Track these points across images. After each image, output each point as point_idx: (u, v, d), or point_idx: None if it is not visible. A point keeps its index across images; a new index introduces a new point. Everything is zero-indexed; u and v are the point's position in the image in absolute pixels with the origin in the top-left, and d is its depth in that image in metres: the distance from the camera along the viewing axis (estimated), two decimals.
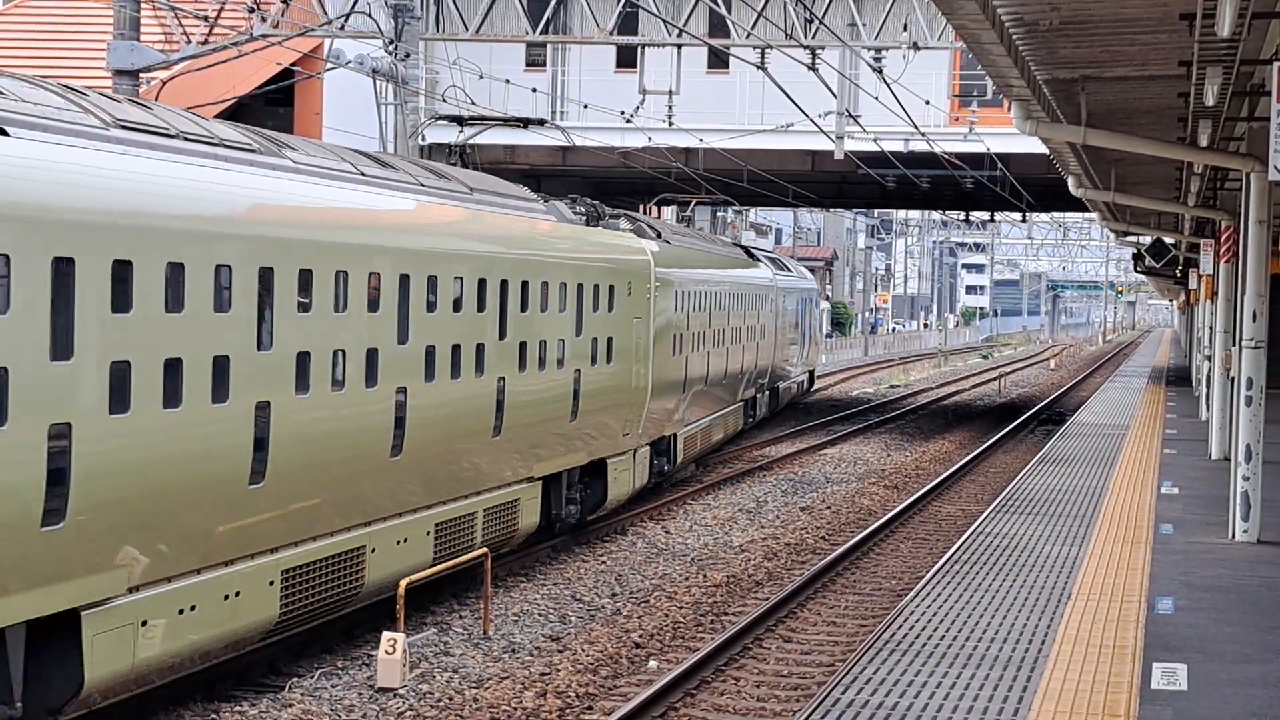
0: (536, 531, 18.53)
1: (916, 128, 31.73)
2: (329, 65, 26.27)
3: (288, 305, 12.35)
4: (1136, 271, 65.41)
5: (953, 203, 48.89)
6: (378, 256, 13.83)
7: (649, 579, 18.90)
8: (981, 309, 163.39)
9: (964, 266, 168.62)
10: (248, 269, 11.84)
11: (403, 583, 14.25)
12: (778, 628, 16.54)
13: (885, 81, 27.70)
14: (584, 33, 31.82)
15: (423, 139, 35.55)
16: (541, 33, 29.64)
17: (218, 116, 22.87)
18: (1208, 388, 29.69)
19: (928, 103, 35.09)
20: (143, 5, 23.30)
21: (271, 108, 32.53)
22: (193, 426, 11.22)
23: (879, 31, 29.55)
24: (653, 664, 14.94)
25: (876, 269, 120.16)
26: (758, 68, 27.49)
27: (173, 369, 10.98)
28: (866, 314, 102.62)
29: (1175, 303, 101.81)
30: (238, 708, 12.72)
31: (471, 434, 15.94)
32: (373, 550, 14.09)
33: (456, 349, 15.46)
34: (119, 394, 10.41)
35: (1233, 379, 18.69)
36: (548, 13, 29.17)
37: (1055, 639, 12.16)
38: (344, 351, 13.28)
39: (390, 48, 25.34)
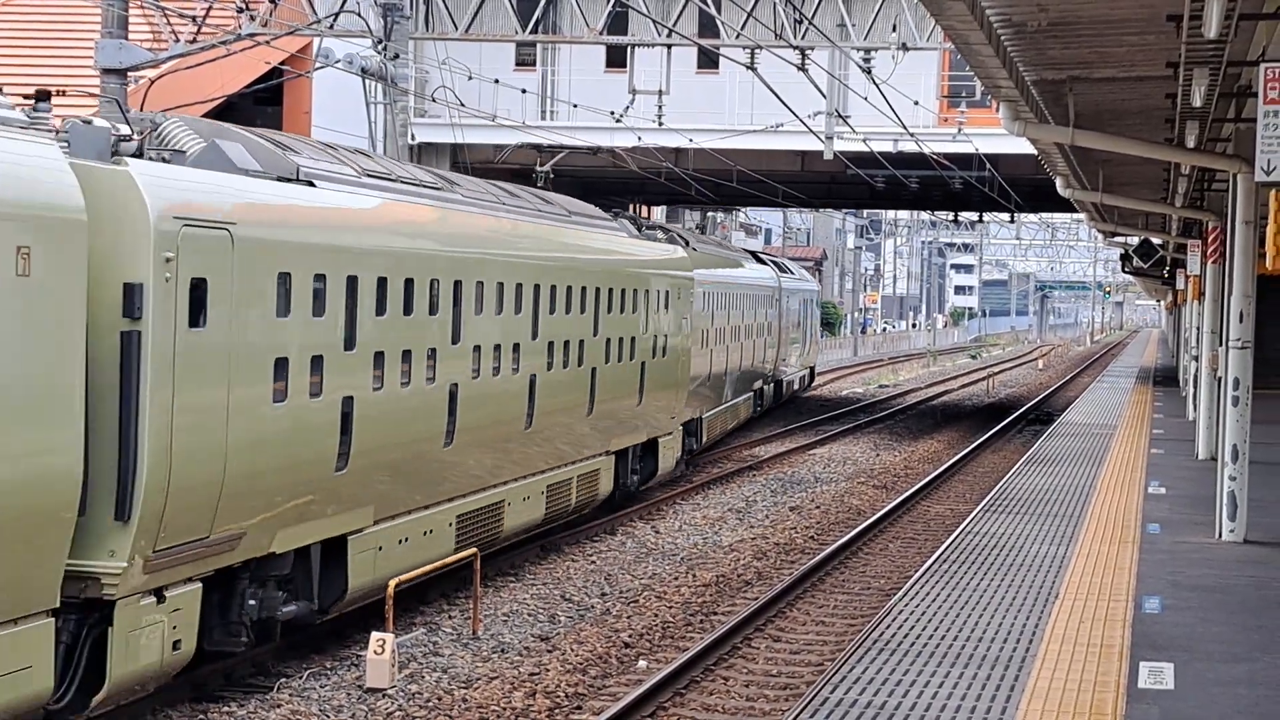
0: (607, 497, 22.00)
1: (905, 128, 31.78)
2: (318, 64, 26.27)
3: (470, 310, 16.06)
4: (1124, 272, 65.57)
5: (941, 203, 48.97)
6: (520, 270, 17.50)
7: (638, 579, 18.91)
8: (970, 309, 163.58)
9: (952, 267, 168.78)
10: (447, 282, 15.57)
11: (391, 582, 14.28)
12: (767, 627, 16.56)
13: (874, 82, 27.75)
14: (574, 32, 31.83)
15: (412, 138, 35.55)
16: (531, 32, 29.65)
17: (206, 115, 22.87)
18: (1195, 388, 29.77)
19: (916, 103, 35.14)
20: (131, 4, 23.28)
21: (260, 107, 32.50)
22: (416, 399, 14.95)
23: (868, 32, 29.60)
24: (642, 664, 14.96)
25: (865, 269, 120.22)
26: (747, 68, 27.53)
27: (406, 358, 14.73)
28: (856, 314, 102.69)
29: (1162, 303, 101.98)
30: (226, 708, 12.72)
31: (574, 413, 19.74)
32: (508, 504, 17.65)
33: (566, 344, 19.18)
34: (378, 376, 14.14)
35: (1220, 379, 18.75)
36: (537, 12, 29.19)
37: (1043, 638, 12.20)
38: (500, 346, 16.88)
39: (379, 47, 25.33)
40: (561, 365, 18.92)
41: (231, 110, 29.63)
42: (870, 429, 40.29)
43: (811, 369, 48.91)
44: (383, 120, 28.14)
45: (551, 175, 28.94)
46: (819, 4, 28.99)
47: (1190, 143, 18.54)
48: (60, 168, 10.20)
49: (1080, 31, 14.41)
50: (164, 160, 11.66)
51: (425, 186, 15.87)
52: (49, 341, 10.04)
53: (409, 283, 14.69)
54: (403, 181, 15.39)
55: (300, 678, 13.61)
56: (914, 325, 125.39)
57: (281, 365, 12.54)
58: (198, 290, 11.36)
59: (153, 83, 25.66)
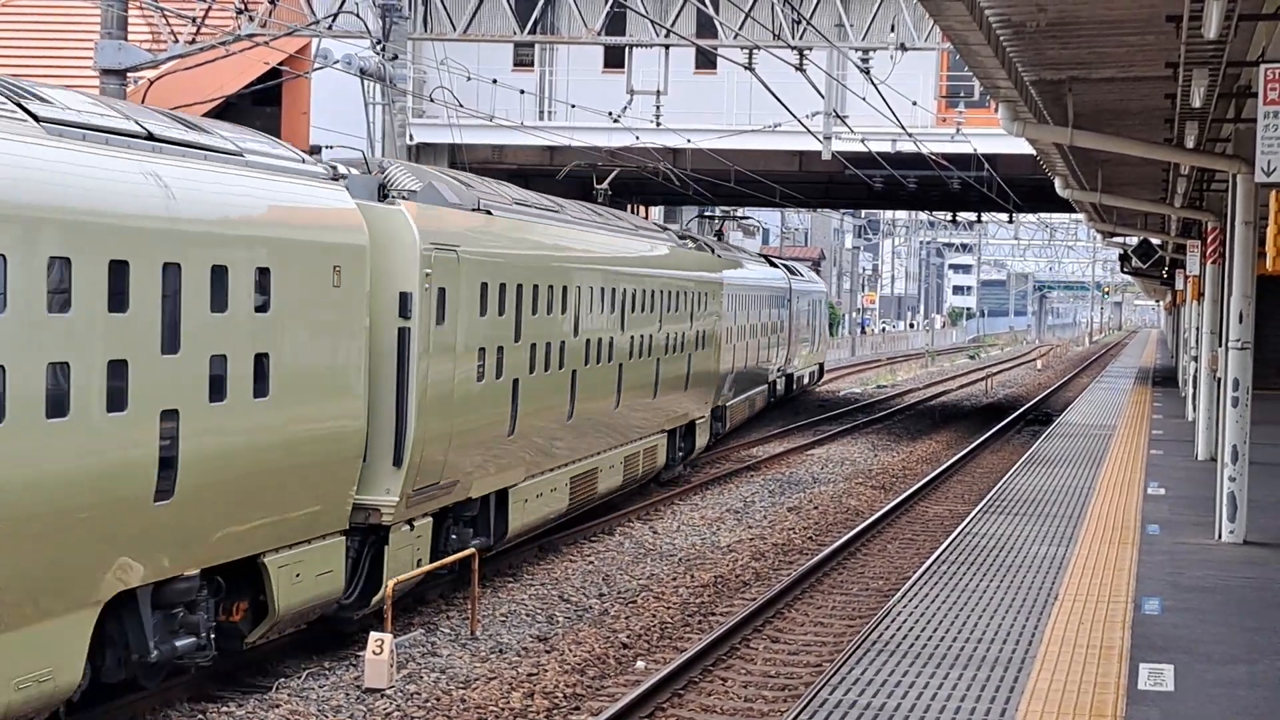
0: (662, 468, 25.85)
1: (904, 128, 31.75)
2: (317, 65, 26.24)
3: (585, 309, 19.98)
4: (1123, 272, 65.58)
5: (940, 203, 48.94)
6: (612, 276, 21.29)
7: (637, 579, 18.89)
8: (968, 309, 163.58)
9: (951, 267, 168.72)
10: (570, 286, 19.36)
11: (390, 583, 14.27)
12: (765, 628, 16.54)
13: (872, 82, 27.73)
14: (571, 33, 31.81)
15: (410, 139, 35.51)
16: (529, 33, 29.62)
17: (205, 115, 22.82)
18: (1194, 388, 29.76)
19: (915, 103, 35.12)
20: (130, 5, 23.25)
21: (259, 107, 32.47)
22: (554, 381, 18.96)
23: (866, 32, 29.58)
24: (640, 664, 14.94)
25: (863, 269, 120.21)
26: (745, 68, 27.50)
27: (548, 349, 18.56)
28: (854, 314, 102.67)
29: (1161, 303, 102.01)
30: (225, 708, 12.70)
31: (644, 397, 23.58)
32: (600, 470, 21.35)
33: (640, 338, 22.83)
34: (532, 363, 17.99)
35: (1219, 380, 18.74)
36: (535, 13, 29.17)
37: (1042, 640, 12.19)
38: (600, 339, 20.84)
39: (378, 47, 25.31)
40: (638, 356, 22.94)
41: (230, 111, 29.59)
42: (868, 429, 40.28)
43: (820, 365, 51.68)
44: (381, 120, 28.12)
45: (609, 191, 32.50)
46: (817, 4, 28.97)
47: (1190, 143, 18.53)
48: (352, 209, 14.09)
49: (1079, 32, 14.39)
50: (403, 198, 15.21)
51: (549, 210, 19.71)
52: (349, 335, 13.83)
53: (550, 288, 18.62)
54: (535, 207, 19.19)
55: (299, 678, 13.59)
56: (912, 325, 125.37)
57: (481, 353, 16.35)
58: (440, 297, 15.20)
59: (152, 83, 25.64)
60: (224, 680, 13.40)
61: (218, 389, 11.91)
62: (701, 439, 28.53)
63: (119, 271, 10.81)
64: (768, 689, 14.15)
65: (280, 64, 30.49)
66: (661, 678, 13.67)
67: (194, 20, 23.96)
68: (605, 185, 32.33)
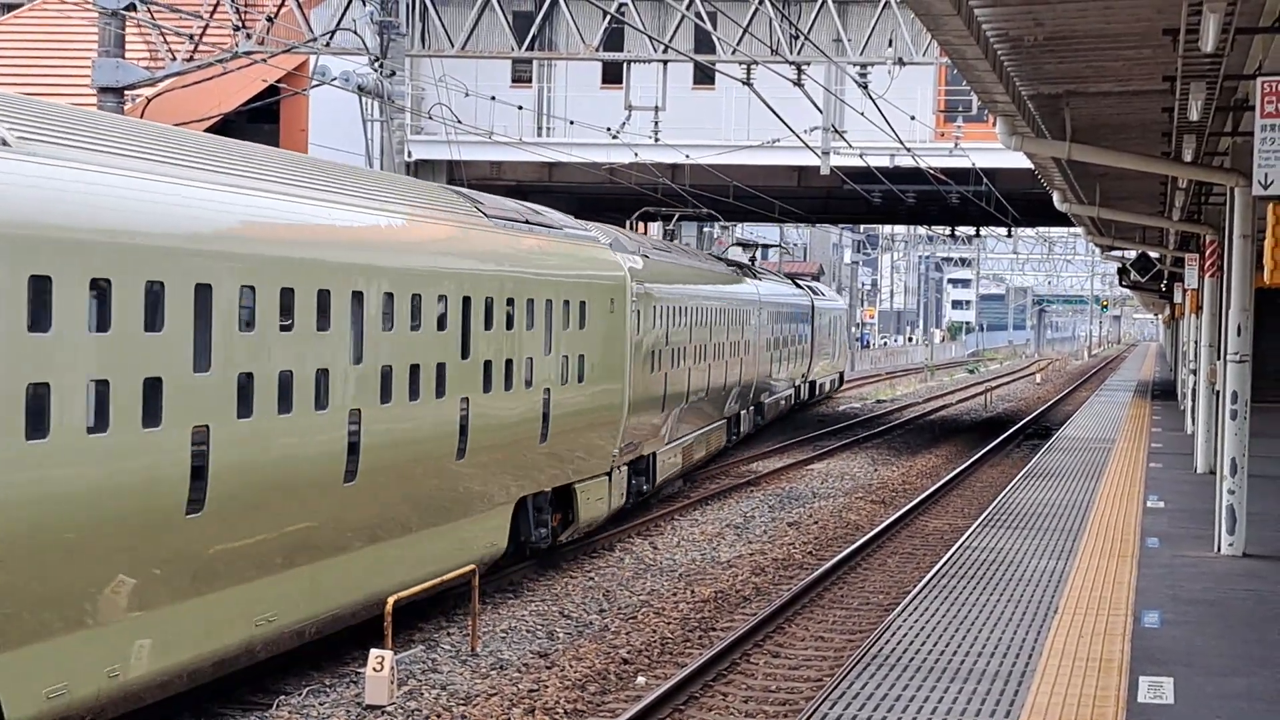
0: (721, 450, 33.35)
1: (902, 143, 31.80)
2: (314, 82, 26.27)
3: (703, 326, 28.65)
4: (1121, 286, 65.57)
5: (938, 218, 48.99)
6: (714, 300, 30.59)
7: (637, 595, 18.88)
8: (967, 324, 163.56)
9: (950, 281, 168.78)
10: (696, 308, 27.87)
11: (390, 600, 14.25)
12: (766, 643, 16.53)
13: (871, 97, 27.77)
14: (569, 49, 31.85)
15: (408, 155, 35.53)
16: (527, 49, 29.66)
17: (204, 132, 22.83)
18: (1193, 402, 29.76)
19: (913, 118, 35.16)
20: (128, 23, 23.28)
21: (257, 125, 32.51)
22: (697, 375, 27.99)
23: (864, 47, 29.62)
24: (641, 680, 14.92)
25: (862, 284, 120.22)
26: (744, 84, 27.54)
27: (697, 352, 27.69)
28: (854, 329, 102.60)
29: (1160, 317, 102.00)
30: None
31: (728, 388, 32.37)
32: (693, 445, 28.45)
33: (730, 344, 32.28)
34: (674, 363, 25.26)
35: (1218, 393, 18.74)
36: (533, 29, 29.20)
37: (1042, 653, 12.18)
38: (709, 346, 29.79)
39: (376, 64, 25.35)
40: (723, 358, 31.30)
41: (228, 128, 29.62)
42: (868, 444, 40.27)
43: (841, 374, 59.46)
44: (379, 137, 28.14)
45: (670, 228, 41.50)
46: (815, 19, 29.02)
47: (1187, 157, 18.56)
48: (616, 260, 21.82)
49: (1076, 46, 14.42)
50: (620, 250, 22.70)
51: (668, 251, 27.64)
52: (619, 341, 21.43)
53: (687, 309, 26.87)
54: (662, 250, 27.14)
55: (299, 695, 13.58)
56: (911, 340, 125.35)
57: (651, 354, 23.86)
58: (638, 317, 22.68)
59: (149, 101, 25.67)
60: (224, 697, 13.38)
61: (565, 377, 19.06)
62: (745, 427, 36.99)
63: (566, 309, 19.21)
64: (768, 704, 14.13)
65: (278, 81, 30.54)
66: (662, 693, 13.65)
67: (191, 38, 24.00)
68: (672, 226, 42.45)
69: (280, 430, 12.46)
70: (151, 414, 10.90)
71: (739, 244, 57.98)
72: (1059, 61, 15.14)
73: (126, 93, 23.01)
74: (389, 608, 14.12)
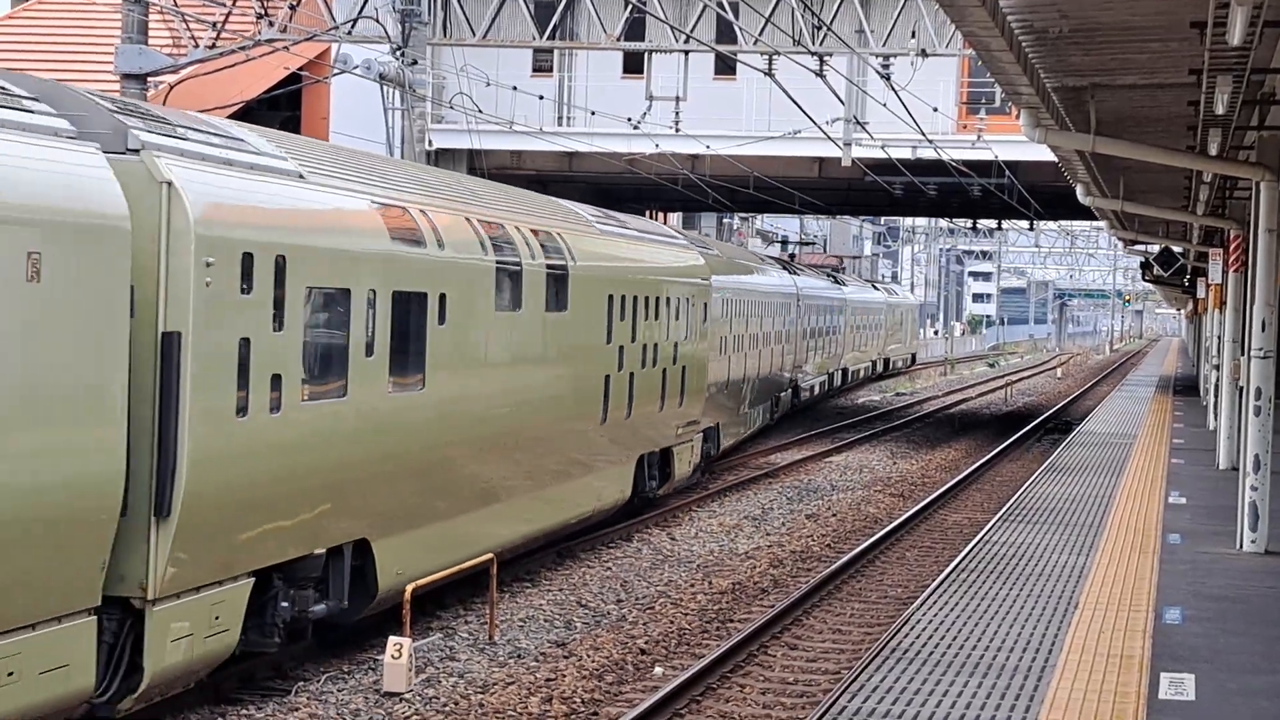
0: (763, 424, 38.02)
1: (924, 135, 31.69)
2: (336, 70, 26.26)
3: (762, 319, 34.99)
4: (1144, 280, 65.32)
5: (960, 210, 48.85)
6: (774, 298, 36.38)
7: (654, 585, 18.86)
8: (988, 317, 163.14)
9: (970, 274, 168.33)
10: (760, 304, 34.26)
11: (409, 587, 14.25)
12: (783, 635, 16.49)
13: (893, 88, 27.67)
14: (591, 38, 31.80)
15: (429, 144, 35.51)
16: (548, 38, 29.61)
17: (227, 119, 22.84)
18: (1216, 397, 29.64)
19: (935, 110, 35.03)
20: (150, 9, 23.29)
21: (278, 112, 32.53)
22: (750, 361, 33.26)
23: (887, 38, 29.52)
24: (658, 670, 14.90)
25: (882, 276, 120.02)
26: (765, 74, 27.46)
27: (753, 340, 33.61)
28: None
29: (1183, 312, 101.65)
30: (244, 711, 12.70)
31: (781, 372, 38.47)
32: (748, 419, 33.64)
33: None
34: (739, 345, 31.80)
35: (1241, 388, 18.65)
36: (555, 18, 29.15)
37: (1063, 648, 12.12)
38: (767, 334, 35.90)
39: (397, 53, 25.32)
40: (765, 344, 36.09)
41: (250, 115, 29.65)
42: (887, 437, 40.19)
43: (913, 355, 76.95)
44: (400, 126, 28.13)
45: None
46: (837, 10, 28.92)
47: (1213, 150, 18.45)
48: (703, 263, 25.68)
49: (1102, 38, 14.33)
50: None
51: (740, 255, 34.44)
52: (702, 330, 25.37)
53: (746, 303, 32.28)
54: (728, 253, 33.27)
55: (317, 681, 13.59)
56: (935, 333, 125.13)
57: (721, 340, 29.14)
58: (705, 311, 25.71)
59: (172, 88, 25.68)
60: (243, 683, 13.39)
61: (676, 358, 23.48)
62: (837, 382, 49.95)
63: (671, 303, 23.44)
64: (786, 696, 14.10)
65: (300, 69, 30.54)
66: (679, 684, 13.63)
67: (214, 25, 24.00)
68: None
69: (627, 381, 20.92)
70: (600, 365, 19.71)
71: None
72: (1084, 54, 15.05)
73: (149, 79, 23.02)
74: (407, 594, 14.12)
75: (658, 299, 22.33)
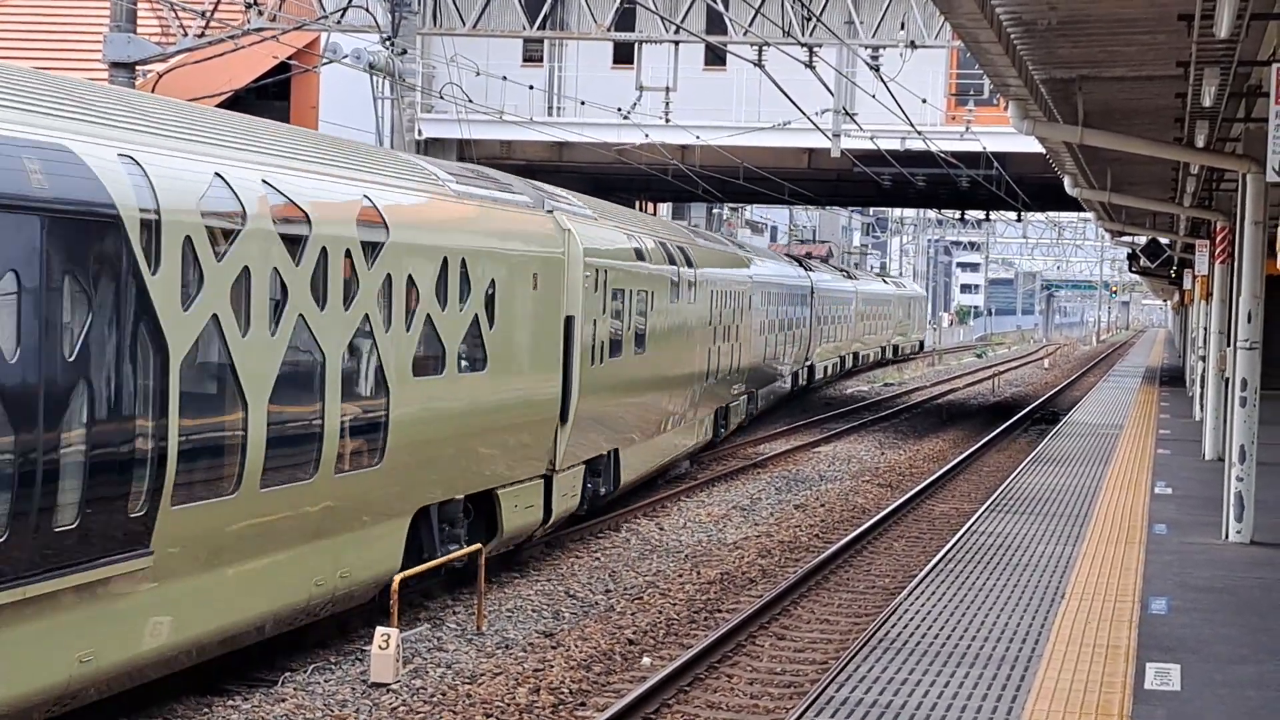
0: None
1: (913, 126, 31.72)
2: (325, 59, 26.24)
3: (769, 310, 38.83)
4: (1131, 271, 65.44)
5: (948, 201, 48.89)
6: (779, 287, 39.96)
7: (643, 575, 18.89)
8: (976, 308, 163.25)
9: (959, 265, 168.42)
10: (769, 295, 38.42)
11: (396, 577, 14.27)
12: (771, 625, 16.53)
13: (882, 80, 27.70)
14: (581, 29, 31.79)
15: (419, 134, 35.48)
16: (539, 28, 29.60)
17: (215, 108, 22.81)
18: (1202, 388, 29.73)
19: (924, 101, 35.07)
20: None
21: (267, 101, 32.48)
22: (767, 346, 38.39)
23: (876, 30, 29.54)
24: (646, 660, 14.93)
25: (871, 267, 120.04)
26: (755, 65, 27.48)
27: (769, 327, 38.50)
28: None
29: (1169, 303, 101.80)
30: (230, 701, 12.71)
31: (796, 355, 43.16)
32: (760, 395, 37.72)
33: (789, 321, 43.86)
34: (763, 331, 37.42)
35: (1227, 380, 18.71)
36: (545, 8, 29.14)
37: (1049, 638, 12.17)
38: (776, 324, 40.15)
39: (387, 43, 25.31)
40: (786, 329, 41.92)
41: (238, 104, 29.60)
42: (875, 427, 40.26)
43: (921, 342, 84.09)
44: (390, 116, 28.11)
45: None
46: (827, 2, 28.94)
47: (1200, 142, 18.49)
48: (749, 275, 33.75)
49: (1090, 30, 14.37)
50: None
51: (776, 257, 39.57)
52: (744, 319, 32.62)
53: (774, 295, 38.16)
54: (771, 256, 40.27)
55: (304, 672, 13.60)
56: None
57: (761, 323, 35.75)
58: (751, 303, 33.54)
59: (161, 76, 25.64)
60: (229, 674, 13.41)
61: (727, 337, 29.86)
62: (851, 363, 57.55)
63: (724, 297, 29.91)
64: (774, 686, 14.14)
65: (289, 58, 30.50)
66: (667, 674, 13.66)
67: (203, 14, 23.97)
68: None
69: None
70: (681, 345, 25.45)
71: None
72: (1072, 46, 15.09)
73: (137, 68, 22.98)
74: (395, 584, 14.14)
75: (732, 293, 30.74)
